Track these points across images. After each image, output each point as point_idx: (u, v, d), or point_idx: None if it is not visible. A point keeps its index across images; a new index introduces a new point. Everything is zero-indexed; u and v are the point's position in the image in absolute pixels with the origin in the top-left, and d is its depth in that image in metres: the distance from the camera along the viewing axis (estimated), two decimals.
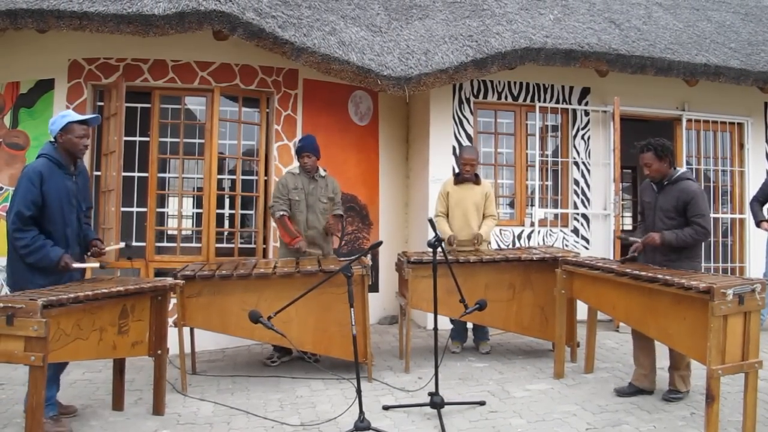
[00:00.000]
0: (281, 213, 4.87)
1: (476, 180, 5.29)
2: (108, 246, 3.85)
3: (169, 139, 6.03)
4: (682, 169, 4.17)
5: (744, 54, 6.78)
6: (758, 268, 6.99)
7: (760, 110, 7.31)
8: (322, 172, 5.11)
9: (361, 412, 3.34)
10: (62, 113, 3.63)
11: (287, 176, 5.09)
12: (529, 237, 6.57)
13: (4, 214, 5.55)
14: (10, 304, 2.75)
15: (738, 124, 7.25)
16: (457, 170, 5.93)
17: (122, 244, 3.93)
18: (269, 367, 4.85)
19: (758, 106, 7.29)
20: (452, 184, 5.31)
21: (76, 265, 3.49)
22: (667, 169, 4.06)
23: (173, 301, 4.25)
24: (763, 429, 3.48)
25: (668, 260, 4.01)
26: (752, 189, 7.00)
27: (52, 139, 3.57)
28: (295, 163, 5.33)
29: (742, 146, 7.29)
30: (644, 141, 4.12)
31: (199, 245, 6.01)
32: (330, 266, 4.35)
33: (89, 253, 3.72)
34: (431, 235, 3.78)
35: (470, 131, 6.49)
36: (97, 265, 3.70)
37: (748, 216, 7.08)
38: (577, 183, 6.75)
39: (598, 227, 6.76)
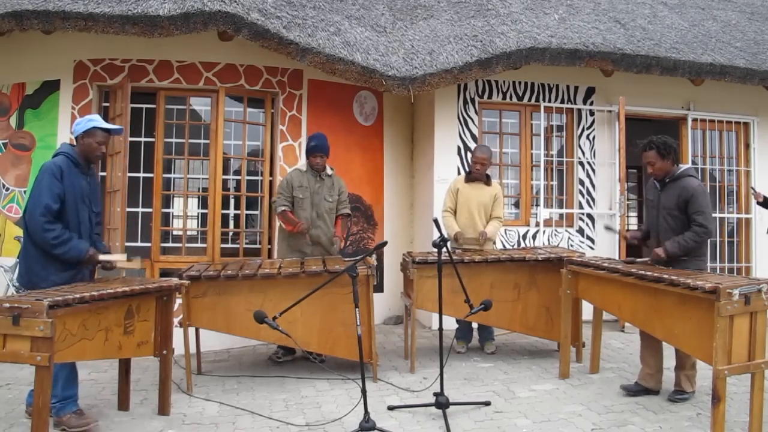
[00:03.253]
0: (283, 208, 4.92)
1: (487, 180, 5.29)
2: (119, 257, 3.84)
3: (174, 140, 6.05)
4: (685, 165, 4.11)
5: (750, 53, 6.75)
6: (764, 267, 6.97)
7: (766, 109, 7.27)
8: (329, 171, 5.13)
9: (366, 412, 3.34)
10: (90, 117, 3.67)
11: (294, 173, 5.09)
12: (534, 237, 6.56)
13: (9, 214, 5.61)
14: (16, 305, 2.76)
15: (744, 123, 7.22)
16: (467, 169, 5.93)
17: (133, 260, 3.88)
18: (274, 366, 4.86)
19: (764, 105, 7.26)
20: (463, 182, 5.31)
21: (102, 257, 3.57)
22: (670, 167, 4.02)
23: (179, 301, 4.27)
24: None
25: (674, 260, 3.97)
26: (758, 189, 6.97)
27: (74, 140, 3.62)
28: (302, 160, 5.31)
29: (748, 146, 7.25)
30: (646, 139, 4.08)
31: (204, 245, 6.02)
32: (335, 266, 4.35)
33: None
34: (436, 235, 3.78)
35: (475, 131, 6.48)
36: (123, 257, 3.71)
37: (754, 216, 7.06)
38: (582, 183, 6.74)
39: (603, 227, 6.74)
